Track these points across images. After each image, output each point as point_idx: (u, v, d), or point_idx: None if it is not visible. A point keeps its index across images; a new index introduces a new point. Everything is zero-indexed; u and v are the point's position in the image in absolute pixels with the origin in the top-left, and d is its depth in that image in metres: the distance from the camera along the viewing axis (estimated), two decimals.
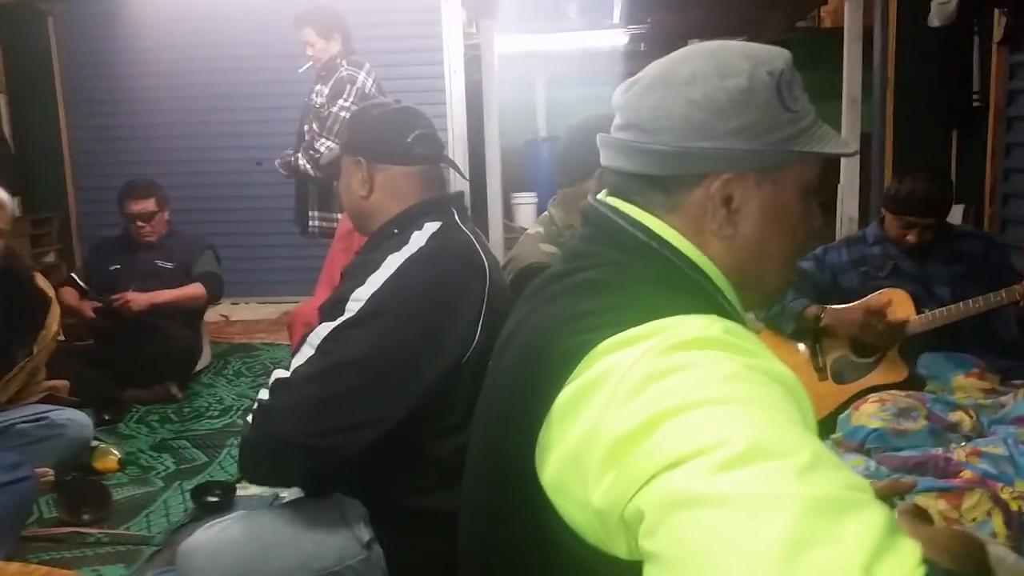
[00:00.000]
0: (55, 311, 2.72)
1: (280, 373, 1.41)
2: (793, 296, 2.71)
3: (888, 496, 1.14)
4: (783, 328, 2.74)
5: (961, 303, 2.41)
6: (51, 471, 2.38)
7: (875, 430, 2.24)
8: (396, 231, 1.52)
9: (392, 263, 1.45)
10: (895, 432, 2.23)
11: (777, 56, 0.83)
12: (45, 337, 2.71)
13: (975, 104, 4.35)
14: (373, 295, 1.41)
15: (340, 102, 3.68)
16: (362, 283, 1.42)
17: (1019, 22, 3.93)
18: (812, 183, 0.86)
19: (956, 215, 4.31)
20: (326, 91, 3.76)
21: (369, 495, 1.50)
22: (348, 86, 3.73)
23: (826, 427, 2.43)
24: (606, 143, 0.89)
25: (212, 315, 4.55)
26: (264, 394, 1.41)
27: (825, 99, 7.35)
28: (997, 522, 1.90)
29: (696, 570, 0.55)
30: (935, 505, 1.98)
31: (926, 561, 0.54)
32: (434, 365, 1.41)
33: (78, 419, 2.58)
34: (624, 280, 0.79)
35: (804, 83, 0.85)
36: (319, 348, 1.39)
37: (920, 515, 1.19)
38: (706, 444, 0.58)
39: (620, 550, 0.65)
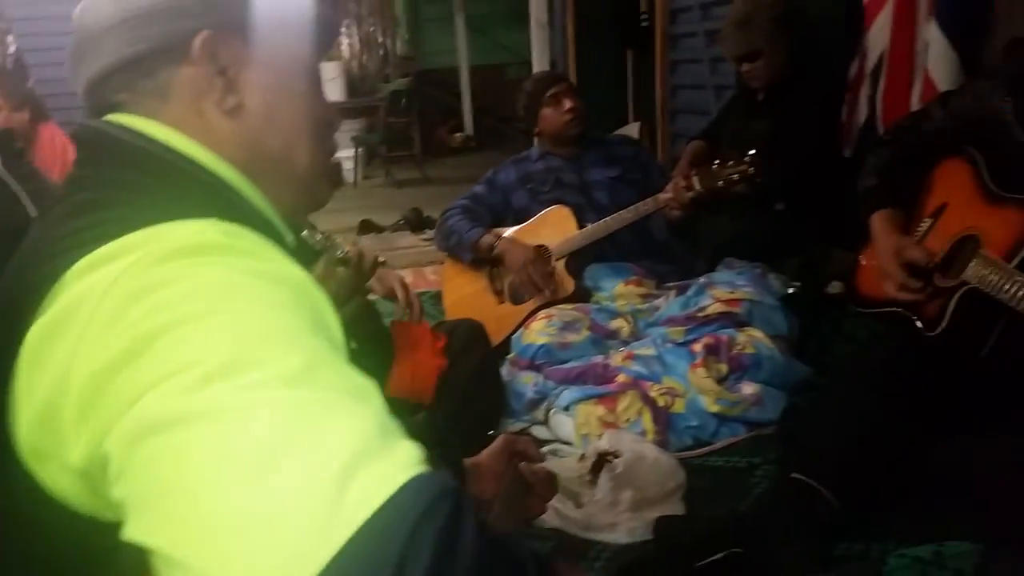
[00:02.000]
0: None
1: None
2: (469, 225, 2.68)
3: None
4: (463, 258, 2.71)
5: (615, 215, 2.50)
6: None
7: (542, 346, 2.27)
8: None
9: None
10: (560, 345, 2.26)
11: None
12: None
13: (643, 24, 4.58)
14: None
15: None
16: None
17: None
18: (310, 57, 0.80)
19: (633, 133, 4.55)
20: None
21: None
22: None
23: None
24: (76, 53, 0.75)
25: None
26: None
27: (516, 25, 7.57)
28: (646, 419, 1.99)
29: (165, 504, 0.48)
30: (595, 411, 2.04)
31: (428, 463, 0.50)
32: None
33: None
34: (118, 195, 0.67)
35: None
36: None
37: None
38: (184, 362, 0.51)
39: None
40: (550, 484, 1.17)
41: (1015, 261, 1.40)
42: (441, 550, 0.46)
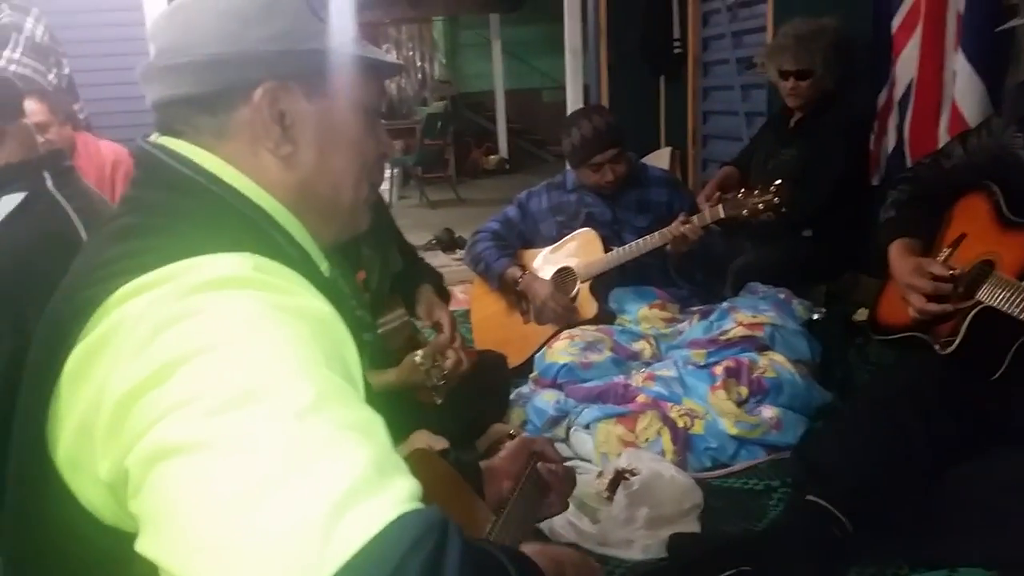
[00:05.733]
0: None
1: None
2: (497, 254, 2.70)
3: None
4: (490, 284, 2.75)
5: (641, 239, 2.52)
6: None
7: (564, 365, 2.30)
8: None
9: None
10: (582, 365, 2.30)
11: None
12: None
13: (676, 51, 4.62)
14: None
15: (6, 54, 3.20)
16: None
17: None
18: (368, 99, 0.84)
19: (664, 158, 4.58)
20: None
21: None
22: (14, 34, 3.25)
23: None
24: (145, 76, 0.80)
25: None
26: None
27: (552, 52, 7.67)
28: (666, 439, 2.01)
29: (170, 525, 0.52)
30: (614, 430, 2.07)
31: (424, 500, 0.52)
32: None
33: None
34: (162, 222, 0.71)
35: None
36: None
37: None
38: (199, 391, 0.54)
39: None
40: (568, 482, 1.19)
41: None
42: None
